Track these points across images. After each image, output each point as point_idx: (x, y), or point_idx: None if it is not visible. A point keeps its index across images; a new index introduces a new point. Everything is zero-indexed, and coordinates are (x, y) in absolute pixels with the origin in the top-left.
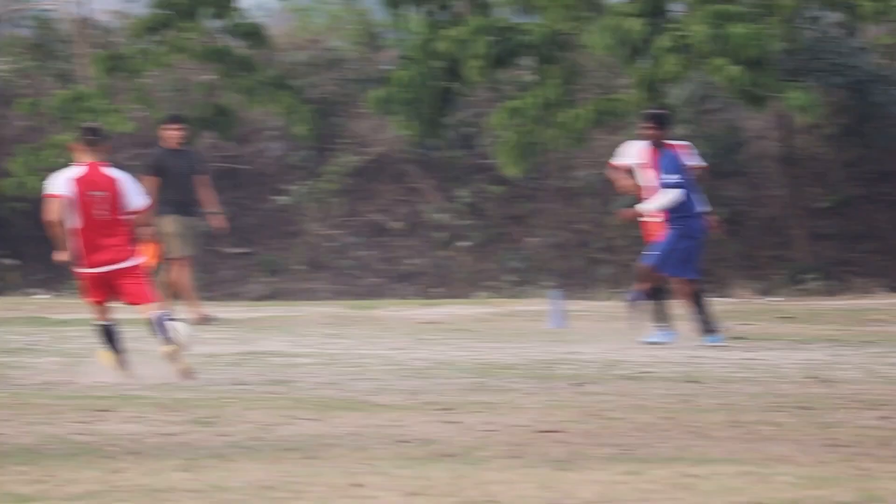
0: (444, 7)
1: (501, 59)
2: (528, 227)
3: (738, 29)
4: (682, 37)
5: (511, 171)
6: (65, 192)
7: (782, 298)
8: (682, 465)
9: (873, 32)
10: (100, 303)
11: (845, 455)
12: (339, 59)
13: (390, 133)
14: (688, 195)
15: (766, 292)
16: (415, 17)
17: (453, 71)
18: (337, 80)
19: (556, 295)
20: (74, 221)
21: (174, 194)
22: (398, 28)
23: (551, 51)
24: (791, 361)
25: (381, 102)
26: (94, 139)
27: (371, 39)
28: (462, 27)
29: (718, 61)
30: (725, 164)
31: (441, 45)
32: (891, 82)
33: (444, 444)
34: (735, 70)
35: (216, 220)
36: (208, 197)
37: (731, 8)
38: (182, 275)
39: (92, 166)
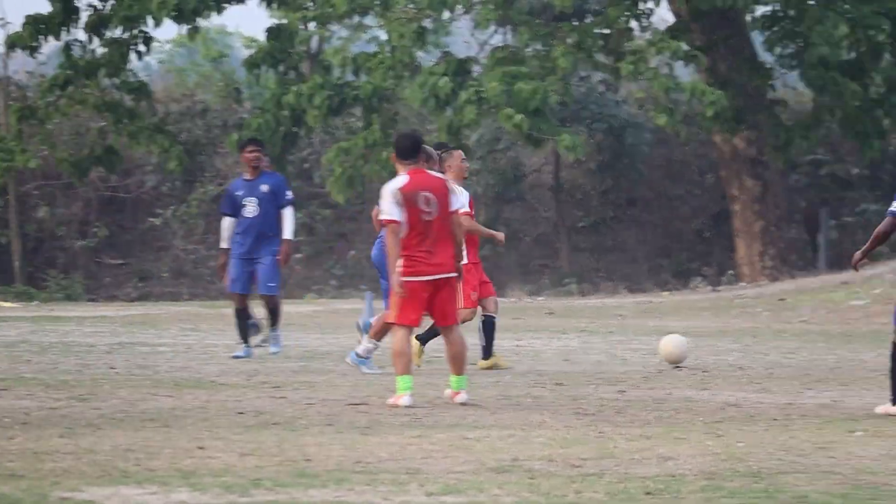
0: (292, 68)
1: (336, 109)
2: (350, 242)
3: (524, 86)
4: (479, 91)
5: (338, 197)
6: None
7: (546, 298)
8: (460, 430)
9: (630, 88)
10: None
11: (589, 421)
12: (206, 110)
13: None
14: None
15: (534, 293)
16: (268, 76)
17: (297, 118)
18: (203, 125)
19: (369, 296)
20: None
21: None
22: (255, 85)
23: (375, 102)
24: (551, 348)
25: (237, 144)
26: None
27: (233, 94)
28: (305, 84)
29: (507, 111)
30: (508, 192)
31: (288, 98)
32: (641, 128)
33: (272, 415)
34: (520, 118)
35: None
36: None
37: (520, 69)
38: None
39: None
